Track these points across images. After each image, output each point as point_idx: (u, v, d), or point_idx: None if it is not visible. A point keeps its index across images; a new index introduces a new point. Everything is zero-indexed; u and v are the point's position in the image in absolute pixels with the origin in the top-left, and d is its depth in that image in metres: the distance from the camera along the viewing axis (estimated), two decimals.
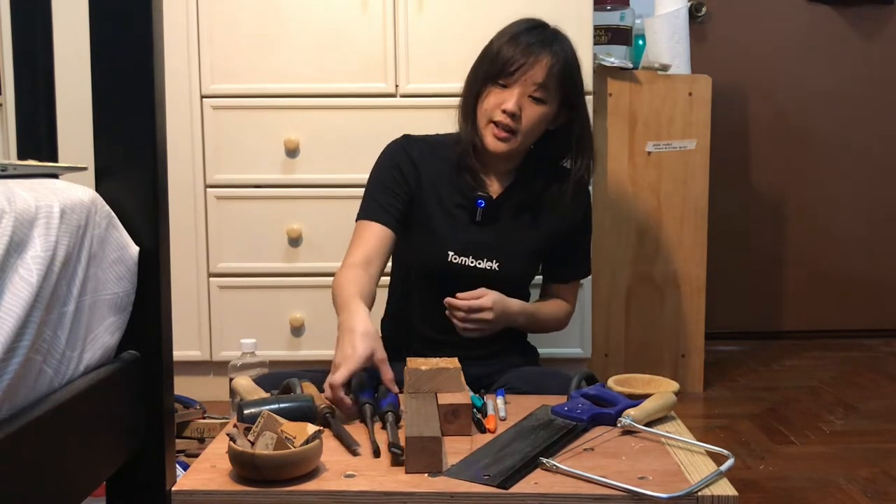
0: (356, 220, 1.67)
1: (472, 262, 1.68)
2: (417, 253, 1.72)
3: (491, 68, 1.62)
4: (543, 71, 1.59)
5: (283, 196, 2.25)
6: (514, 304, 1.66)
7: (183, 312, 2.22)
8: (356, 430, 1.27)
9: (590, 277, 2.27)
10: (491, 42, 1.66)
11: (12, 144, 1.99)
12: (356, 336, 1.36)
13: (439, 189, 1.69)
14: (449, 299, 1.59)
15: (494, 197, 1.70)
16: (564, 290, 1.82)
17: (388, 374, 1.35)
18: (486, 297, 1.59)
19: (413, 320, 1.73)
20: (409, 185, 1.68)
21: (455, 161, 1.68)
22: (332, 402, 1.31)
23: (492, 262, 1.68)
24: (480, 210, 1.68)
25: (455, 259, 1.68)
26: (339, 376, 1.30)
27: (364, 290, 1.52)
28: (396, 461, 1.13)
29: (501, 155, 1.66)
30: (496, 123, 1.61)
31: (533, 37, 1.62)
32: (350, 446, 1.18)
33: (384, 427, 1.25)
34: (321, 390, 1.39)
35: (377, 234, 1.63)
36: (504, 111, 1.59)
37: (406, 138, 1.74)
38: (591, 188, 1.83)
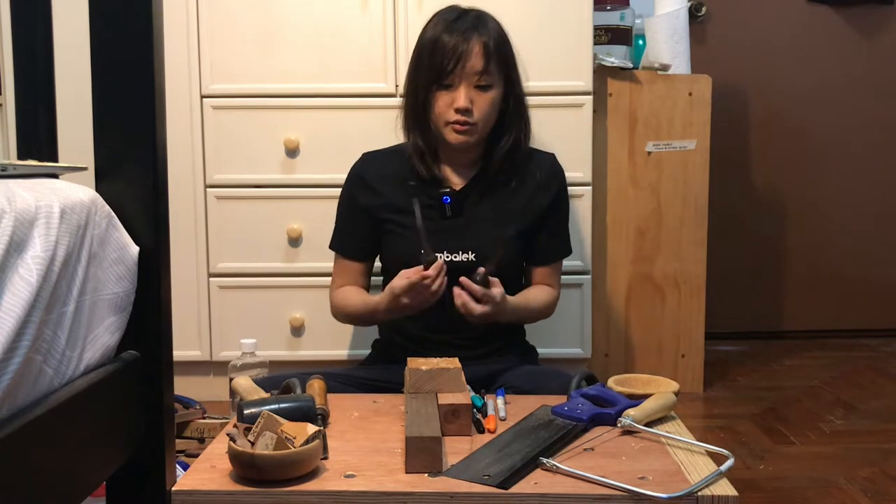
0: (329, 248, 1.82)
1: (447, 256, 1.69)
2: (394, 257, 1.76)
3: (429, 74, 1.63)
4: (479, 58, 1.60)
5: (283, 196, 2.25)
6: (510, 301, 1.65)
7: (183, 312, 2.22)
8: (348, 428, 1.27)
9: (589, 278, 2.29)
10: (421, 41, 1.67)
11: (12, 144, 1.99)
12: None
13: (404, 197, 1.71)
14: (463, 280, 1.58)
15: (459, 189, 1.72)
16: (546, 274, 1.80)
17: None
18: (496, 292, 1.58)
19: (403, 321, 1.73)
20: (367, 213, 1.74)
21: (414, 168, 1.71)
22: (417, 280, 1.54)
23: (467, 253, 1.69)
24: (448, 206, 1.70)
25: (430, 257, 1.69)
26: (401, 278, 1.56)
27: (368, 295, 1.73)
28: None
29: (465, 147, 1.67)
30: (452, 122, 1.63)
31: (458, 27, 1.62)
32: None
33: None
34: (329, 389, 1.40)
35: (352, 270, 1.78)
36: (457, 110, 1.61)
37: (363, 160, 1.79)
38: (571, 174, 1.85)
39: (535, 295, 1.77)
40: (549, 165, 1.77)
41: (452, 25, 1.62)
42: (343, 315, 1.79)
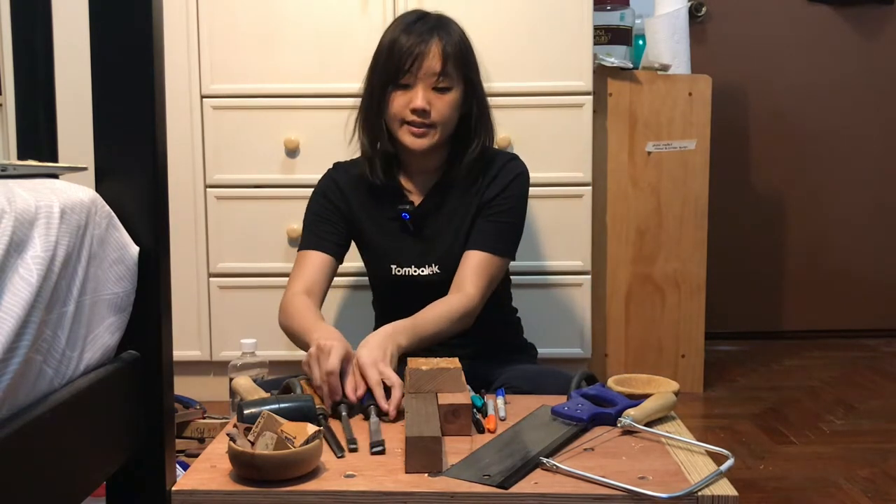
0: (298, 250, 1.70)
1: (415, 272, 1.68)
2: (369, 271, 1.77)
3: (386, 72, 1.59)
4: (437, 59, 1.57)
5: (283, 196, 2.25)
6: (388, 331, 1.47)
7: (183, 312, 2.22)
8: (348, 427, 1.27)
9: (589, 278, 2.28)
10: (380, 43, 1.63)
11: (12, 144, 1.99)
12: (334, 336, 1.41)
13: (371, 208, 1.70)
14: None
15: (418, 203, 1.69)
16: (468, 267, 1.62)
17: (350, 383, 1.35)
18: (383, 376, 1.36)
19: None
20: (340, 212, 1.70)
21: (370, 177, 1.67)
22: (328, 389, 1.33)
23: (432, 267, 1.68)
24: (408, 222, 1.68)
25: (398, 271, 1.69)
26: (332, 361, 1.33)
27: (319, 316, 1.58)
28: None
29: (423, 152, 1.63)
30: (409, 123, 1.60)
31: (419, 28, 1.59)
32: (336, 452, 1.18)
33: (366, 418, 1.29)
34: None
35: (315, 263, 1.66)
36: (414, 110, 1.58)
37: (335, 166, 1.77)
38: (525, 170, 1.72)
39: (431, 314, 1.56)
40: (505, 162, 1.70)
41: (412, 27, 1.59)
42: (288, 323, 1.61)
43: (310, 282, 1.64)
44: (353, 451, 1.18)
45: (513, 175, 1.68)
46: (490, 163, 1.70)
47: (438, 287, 1.65)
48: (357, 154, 1.79)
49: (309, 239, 1.69)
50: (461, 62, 1.61)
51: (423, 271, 1.68)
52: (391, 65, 1.58)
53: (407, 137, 1.61)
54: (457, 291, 1.61)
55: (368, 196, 1.70)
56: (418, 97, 1.57)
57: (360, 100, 1.69)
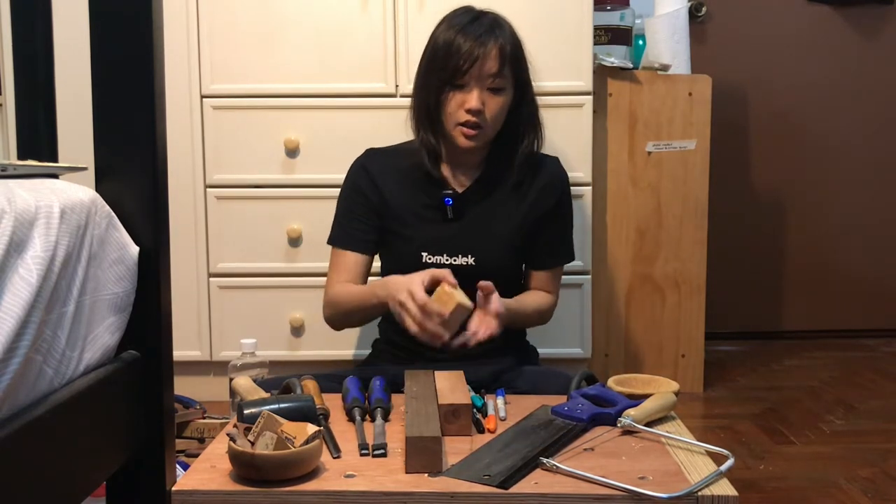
0: (328, 243, 1.75)
1: (446, 260, 1.68)
2: (394, 259, 1.76)
3: (443, 72, 1.61)
4: (495, 61, 1.59)
5: (283, 196, 2.25)
6: (506, 304, 1.59)
7: (183, 312, 2.22)
8: (348, 428, 1.27)
9: (589, 278, 2.28)
10: (434, 41, 1.65)
11: (12, 144, 1.99)
12: (401, 279, 1.50)
13: (405, 196, 1.71)
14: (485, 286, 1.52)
15: (461, 191, 1.71)
16: (544, 279, 1.77)
17: (450, 279, 1.46)
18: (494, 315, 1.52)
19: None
20: (372, 205, 1.72)
21: (419, 167, 1.69)
22: (431, 328, 1.43)
23: (467, 256, 1.69)
24: (450, 207, 1.69)
25: (429, 259, 1.69)
26: (416, 285, 1.43)
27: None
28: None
29: (473, 149, 1.67)
30: (463, 124, 1.62)
31: (476, 30, 1.61)
32: (332, 452, 1.18)
33: (373, 420, 1.30)
34: (322, 389, 1.40)
35: (352, 262, 1.71)
36: (469, 111, 1.60)
37: (367, 154, 1.78)
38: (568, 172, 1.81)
39: (531, 300, 1.74)
40: (554, 168, 1.77)
41: (468, 28, 1.61)
42: (338, 306, 1.69)
43: (349, 280, 1.70)
44: (365, 455, 1.18)
45: (565, 181, 1.78)
46: (538, 166, 1.73)
47: (469, 279, 1.65)
48: (356, 155, 1.79)
49: (341, 235, 1.73)
50: (515, 65, 1.64)
51: (455, 260, 1.68)
52: (448, 66, 1.60)
53: (460, 139, 1.64)
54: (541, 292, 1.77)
55: (404, 183, 1.72)
56: (473, 98, 1.60)
57: (410, 96, 1.73)
